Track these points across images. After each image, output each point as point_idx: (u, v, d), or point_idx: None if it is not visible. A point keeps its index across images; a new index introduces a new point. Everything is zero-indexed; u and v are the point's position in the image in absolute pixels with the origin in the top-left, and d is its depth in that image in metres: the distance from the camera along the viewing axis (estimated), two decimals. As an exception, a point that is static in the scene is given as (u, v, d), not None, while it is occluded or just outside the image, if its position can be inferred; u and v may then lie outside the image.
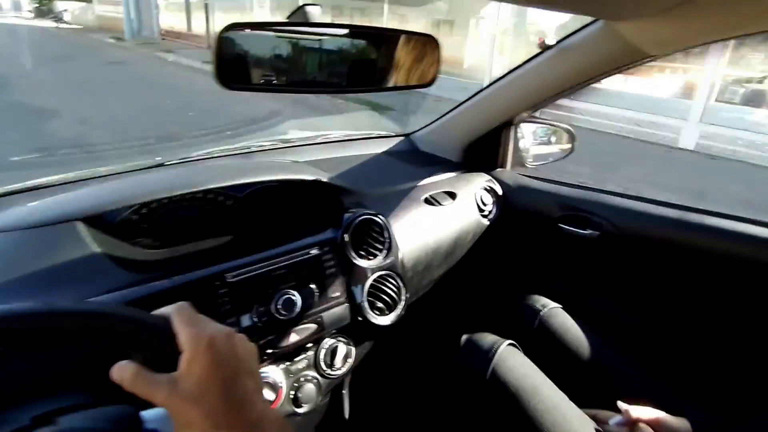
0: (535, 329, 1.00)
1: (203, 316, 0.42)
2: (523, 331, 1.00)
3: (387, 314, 0.87)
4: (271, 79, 0.64)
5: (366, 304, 0.84)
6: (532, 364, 0.88)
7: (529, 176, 1.25)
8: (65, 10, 24.60)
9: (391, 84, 0.71)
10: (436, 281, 1.12)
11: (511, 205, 1.22)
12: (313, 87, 0.75)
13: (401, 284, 0.90)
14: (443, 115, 1.28)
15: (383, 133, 1.39)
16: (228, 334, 0.41)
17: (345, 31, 0.67)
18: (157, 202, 0.76)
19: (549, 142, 1.30)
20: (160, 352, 0.39)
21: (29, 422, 0.44)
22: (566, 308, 1.03)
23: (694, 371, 0.96)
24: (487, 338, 0.93)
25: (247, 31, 0.61)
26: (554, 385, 0.83)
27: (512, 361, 0.87)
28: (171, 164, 0.99)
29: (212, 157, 1.07)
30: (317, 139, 1.29)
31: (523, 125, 1.25)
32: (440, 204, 1.09)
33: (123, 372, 0.38)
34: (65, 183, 0.85)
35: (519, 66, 1.03)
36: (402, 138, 1.35)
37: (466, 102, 1.19)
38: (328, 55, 0.67)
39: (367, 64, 0.71)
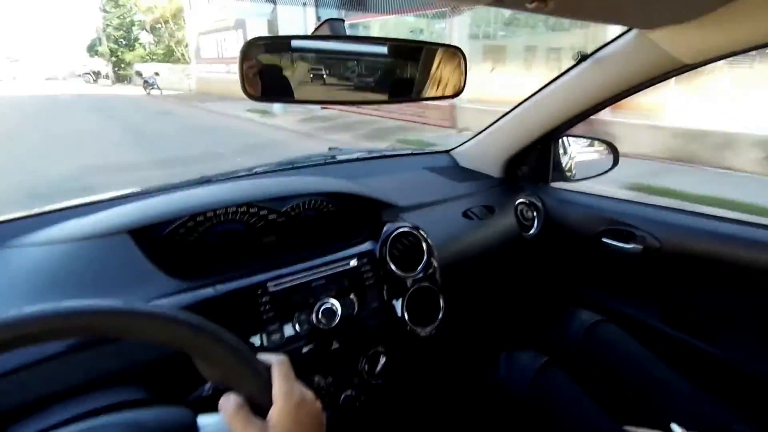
0: (579, 343, 0.97)
1: (293, 374, 0.45)
2: (566, 345, 0.98)
3: (426, 326, 0.89)
4: (292, 92, 0.63)
5: (406, 315, 0.86)
6: (572, 381, 0.86)
7: (571, 190, 1.24)
8: (157, 74, 19.32)
9: (423, 94, 0.74)
10: (476, 295, 1.12)
11: (553, 220, 1.21)
12: (336, 99, 0.74)
13: (440, 296, 0.91)
14: (482, 131, 1.30)
15: (423, 149, 1.44)
16: (313, 398, 0.45)
17: (366, 46, 0.69)
18: (202, 215, 0.79)
19: (590, 156, 1.28)
20: (256, 396, 0.41)
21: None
22: (611, 322, 0.99)
23: (745, 388, 0.89)
24: (527, 355, 0.92)
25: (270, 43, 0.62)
26: (595, 404, 0.80)
27: (552, 379, 0.86)
28: (216, 180, 0.99)
29: (255, 174, 1.08)
30: (359, 155, 1.31)
31: (563, 139, 1.25)
32: (479, 218, 1.10)
33: (227, 402, 0.41)
34: (115, 198, 0.86)
35: (556, 78, 1.04)
36: (442, 154, 1.39)
37: (505, 117, 1.21)
38: (349, 68, 0.68)
39: (395, 76, 0.72)
